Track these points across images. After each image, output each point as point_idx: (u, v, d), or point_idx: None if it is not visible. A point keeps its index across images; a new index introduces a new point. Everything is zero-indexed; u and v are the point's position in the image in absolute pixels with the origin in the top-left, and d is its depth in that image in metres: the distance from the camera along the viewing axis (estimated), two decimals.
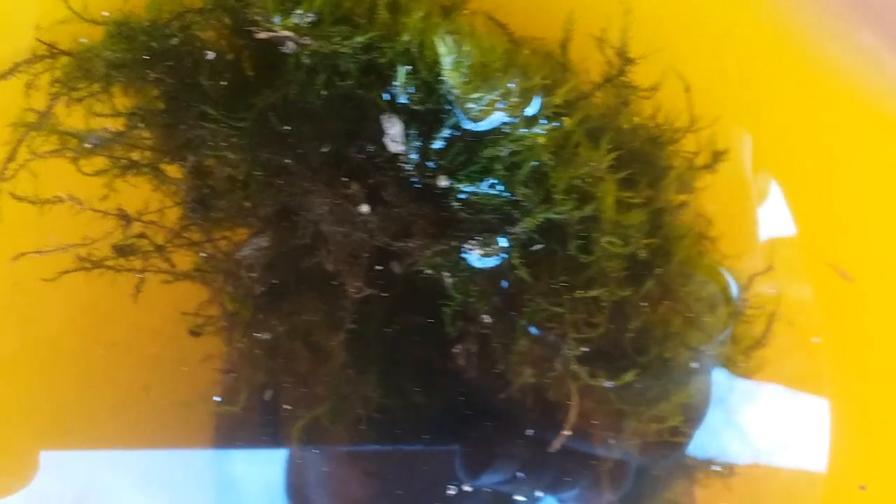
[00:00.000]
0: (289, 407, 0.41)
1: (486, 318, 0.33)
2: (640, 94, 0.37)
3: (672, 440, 0.43)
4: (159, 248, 0.38)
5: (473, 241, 0.30)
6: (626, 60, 0.35)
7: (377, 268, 0.37)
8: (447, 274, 0.32)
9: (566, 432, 0.34)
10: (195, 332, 0.43)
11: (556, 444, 0.34)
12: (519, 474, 0.45)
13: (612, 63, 0.36)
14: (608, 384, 0.33)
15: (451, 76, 0.29)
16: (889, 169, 0.42)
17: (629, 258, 0.37)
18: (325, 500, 0.49)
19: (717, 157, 0.42)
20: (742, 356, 0.48)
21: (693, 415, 0.46)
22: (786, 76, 0.44)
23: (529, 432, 0.41)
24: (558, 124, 0.32)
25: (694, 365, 0.39)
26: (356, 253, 0.36)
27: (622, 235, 0.35)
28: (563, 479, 0.47)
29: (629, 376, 0.33)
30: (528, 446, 0.44)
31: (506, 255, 0.31)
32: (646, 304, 0.37)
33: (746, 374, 0.49)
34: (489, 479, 0.44)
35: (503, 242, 0.31)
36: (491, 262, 0.31)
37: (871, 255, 0.45)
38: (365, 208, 0.35)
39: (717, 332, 0.37)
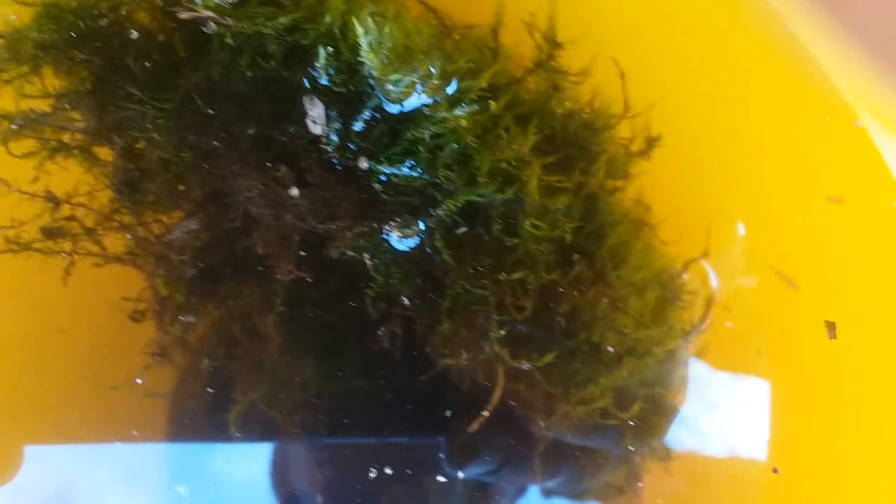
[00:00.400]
0: (212, 391, 0.41)
1: (406, 301, 0.33)
2: (571, 78, 0.38)
3: (607, 423, 0.43)
4: (89, 231, 0.37)
5: (393, 223, 0.31)
6: (553, 45, 0.35)
7: (311, 252, 0.37)
8: (368, 256, 0.32)
9: (485, 413, 0.34)
10: (135, 318, 0.43)
11: (475, 426, 0.34)
12: (504, 464, 0.46)
13: (541, 48, 0.36)
14: (526, 366, 0.33)
15: (369, 57, 0.29)
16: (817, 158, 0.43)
17: (559, 242, 0.38)
18: (310, 490, 0.49)
19: (652, 143, 0.42)
20: (681, 341, 0.48)
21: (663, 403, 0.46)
22: (721, 60, 0.44)
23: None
24: (480, 108, 0.32)
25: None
26: (287, 236, 0.36)
27: (548, 219, 0.35)
28: (546, 468, 0.47)
29: (548, 358, 0.34)
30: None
31: (425, 237, 0.31)
32: (575, 288, 0.38)
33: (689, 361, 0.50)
34: (475, 470, 0.45)
35: (425, 224, 0.31)
36: (410, 244, 0.31)
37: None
38: (295, 191, 0.35)
39: (651, 318, 0.38)
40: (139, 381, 0.39)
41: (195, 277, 0.39)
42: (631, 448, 0.48)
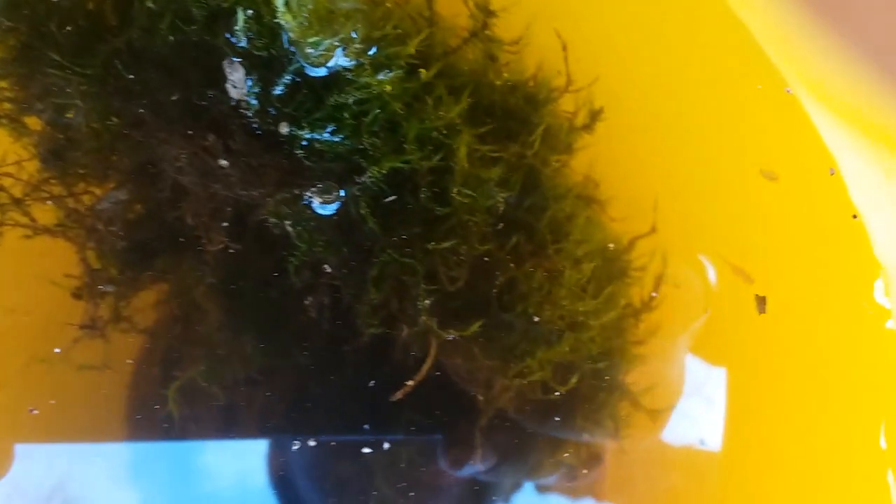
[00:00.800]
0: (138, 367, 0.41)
1: (329, 269, 0.32)
2: (507, 48, 0.37)
3: (550, 398, 0.43)
4: (17, 202, 0.37)
5: (314, 189, 0.30)
6: (487, 13, 0.35)
7: (243, 222, 0.37)
8: (290, 223, 0.31)
9: (410, 383, 0.34)
10: (77, 295, 0.42)
11: (400, 395, 0.34)
12: (500, 463, 0.45)
13: (475, 16, 0.36)
14: (452, 336, 0.33)
15: (286, 18, 0.28)
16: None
17: (497, 214, 0.37)
18: (310, 484, 0.48)
19: (595, 116, 0.42)
20: (632, 319, 0.48)
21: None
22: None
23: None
24: (409, 75, 0.32)
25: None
26: (217, 206, 0.36)
27: (481, 189, 0.34)
28: (542, 464, 0.47)
29: (475, 327, 0.33)
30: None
31: (350, 204, 0.30)
32: (513, 260, 0.38)
33: (640, 339, 0.49)
34: (472, 469, 0.45)
35: (351, 192, 0.31)
36: (331, 209, 0.30)
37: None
38: (224, 162, 0.34)
39: (588, 290, 0.37)
40: (57, 350, 0.39)
41: (127, 250, 0.38)
42: (581, 426, 0.48)
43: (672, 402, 0.51)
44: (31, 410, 0.40)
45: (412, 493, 0.45)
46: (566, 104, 0.42)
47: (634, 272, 0.45)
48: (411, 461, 0.45)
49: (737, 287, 0.40)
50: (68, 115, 0.36)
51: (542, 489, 0.52)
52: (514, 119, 0.39)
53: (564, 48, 0.40)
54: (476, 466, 0.46)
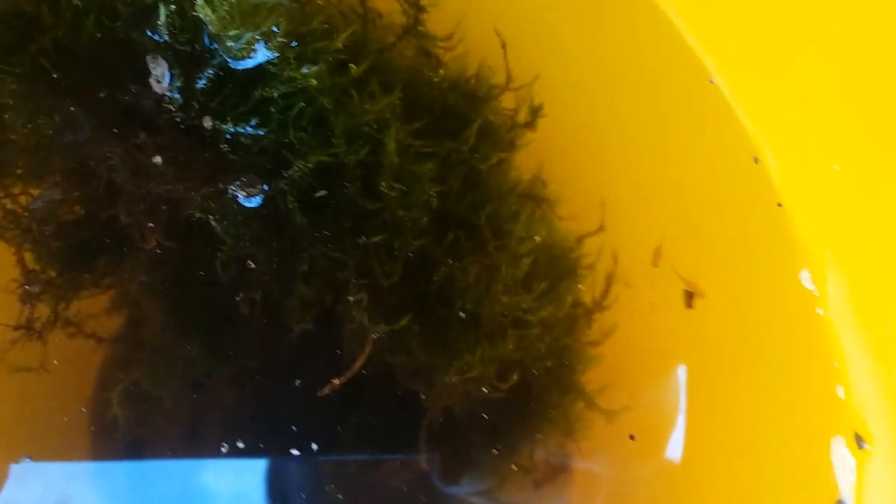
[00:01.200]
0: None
1: (252, 265, 0.32)
2: (440, 44, 0.37)
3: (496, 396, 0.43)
4: None
5: (238, 182, 0.30)
6: (418, 9, 0.35)
7: (176, 220, 0.36)
8: (216, 217, 0.31)
9: (337, 382, 0.33)
10: (25, 300, 0.42)
11: (326, 391, 0.34)
12: (493, 486, 0.45)
13: (406, 12, 0.36)
14: (377, 335, 0.32)
15: (206, 12, 0.28)
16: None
17: (435, 211, 0.37)
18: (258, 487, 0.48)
19: (536, 113, 0.42)
20: (584, 319, 0.48)
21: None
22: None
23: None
24: (339, 70, 0.32)
25: None
26: (152, 204, 0.36)
27: (414, 184, 0.34)
28: (500, 468, 0.47)
29: (405, 321, 0.33)
30: (502, 459, 0.44)
31: (278, 198, 0.30)
32: (451, 256, 0.37)
33: (595, 340, 0.49)
34: (463, 489, 0.45)
35: (279, 186, 0.31)
36: (256, 202, 0.30)
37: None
38: (158, 159, 0.34)
39: (525, 285, 0.37)
40: None
41: (65, 250, 0.38)
42: (535, 427, 0.47)
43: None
44: None
45: (359, 495, 0.45)
46: (507, 102, 0.42)
47: (583, 271, 0.45)
48: (361, 463, 0.44)
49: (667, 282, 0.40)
50: (1, 116, 0.36)
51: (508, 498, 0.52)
52: (453, 116, 0.39)
53: (504, 46, 0.41)
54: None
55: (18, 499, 0.44)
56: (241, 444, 0.39)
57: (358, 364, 0.33)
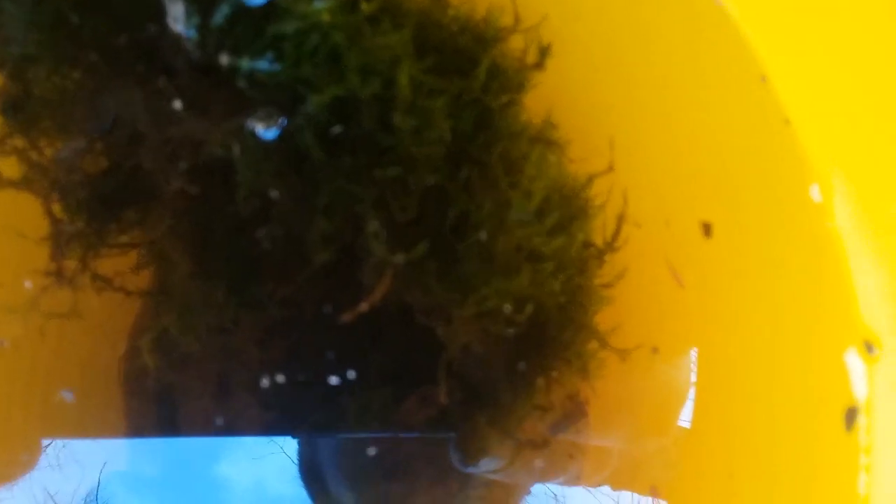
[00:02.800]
0: None
1: (276, 194, 0.33)
2: None
3: (518, 336, 0.44)
4: None
5: (257, 116, 0.31)
6: None
7: (199, 165, 0.38)
8: (236, 152, 0.32)
9: (364, 306, 0.34)
10: (55, 258, 0.43)
11: (349, 316, 0.35)
12: (513, 462, 0.47)
13: None
14: (406, 257, 0.33)
15: None
16: None
17: (448, 148, 0.38)
18: (339, 477, 0.50)
19: (545, 53, 0.42)
20: (594, 261, 0.49)
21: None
22: None
23: None
24: (351, 7, 0.33)
25: None
26: (175, 149, 0.37)
27: (426, 119, 0.35)
28: (552, 466, 0.48)
29: (421, 249, 0.34)
30: (519, 396, 0.45)
31: (289, 126, 0.31)
32: (465, 192, 0.38)
33: (608, 282, 0.50)
34: (485, 466, 0.46)
35: (297, 121, 0.32)
36: (274, 133, 0.31)
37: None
38: (178, 104, 0.35)
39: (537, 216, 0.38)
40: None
41: (91, 200, 0.39)
42: (550, 365, 0.48)
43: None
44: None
45: (383, 434, 0.46)
46: (516, 43, 0.42)
47: (593, 211, 0.46)
48: (384, 403, 0.46)
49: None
50: (27, 68, 0.38)
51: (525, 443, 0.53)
52: (464, 58, 0.40)
53: None
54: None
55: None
56: (265, 383, 0.41)
57: (379, 292, 0.34)
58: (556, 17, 0.42)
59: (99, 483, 0.52)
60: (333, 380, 0.44)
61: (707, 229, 0.39)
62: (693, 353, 0.50)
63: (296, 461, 0.52)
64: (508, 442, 0.50)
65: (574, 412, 0.57)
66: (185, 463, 0.54)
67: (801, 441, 0.38)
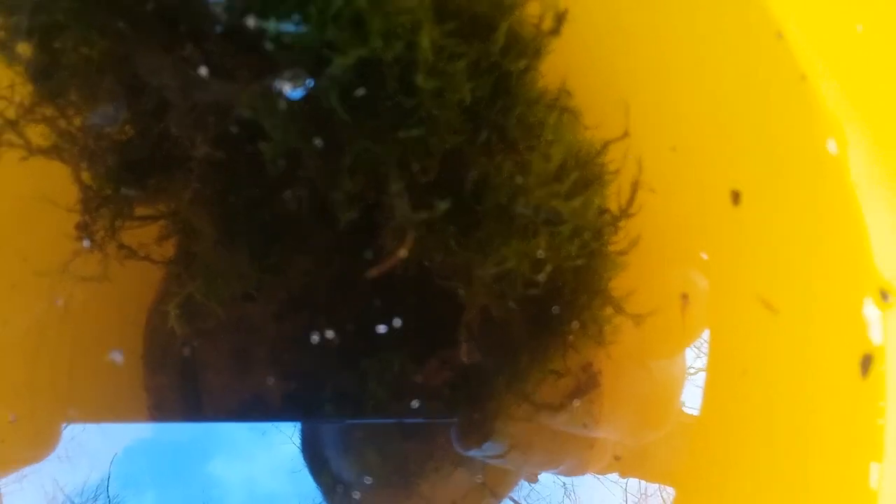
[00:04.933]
0: None
1: (317, 142, 0.34)
2: None
3: (535, 299, 0.45)
4: (12, 124, 0.39)
5: (284, 76, 0.32)
6: None
7: (225, 131, 0.38)
8: (264, 115, 0.33)
9: (395, 257, 0.35)
10: (81, 225, 0.45)
11: (374, 272, 0.36)
12: (511, 449, 0.48)
13: None
14: (423, 215, 0.34)
15: None
16: None
17: (467, 112, 0.39)
18: (344, 464, 0.51)
19: (561, 19, 0.43)
20: (609, 227, 0.50)
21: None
22: None
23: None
24: None
25: None
26: (200, 115, 0.38)
27: (447, 82, 0.36)
28: (553, 455, 0.49)
29: (444, 206, 0.35)
30: (521, 423, 0.46)
31: (314, 87, 0.32)
32: (484, 154, 0.39)
33: (622, 249, 0.51)
34: (483, 452, 0.47)
35: (322, 82, 0.33)
36: (301, 93, 0.32)
37: None
38: (204, 71, 0.36)
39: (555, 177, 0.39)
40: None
41: (119, 167, 0.40)
42: (566, 330, 0.49)
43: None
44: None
45: (406, 398, 0.47)
46: (532, 9, 0.43)
47: (609, 176, 0.47)
48: (403, 365, 0.47)
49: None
50: (55, 37, 0.38)
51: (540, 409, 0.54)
52: (481, 24, 0.41)
53: None
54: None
55: None
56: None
57: (403, 250, 0.35)
58: None
59: (109, 475, 0.53)
60: (353, 343, 0.45)
61: (735, 196, 0.40)
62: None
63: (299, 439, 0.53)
64: (524, 407, 0.51)
65: (588, 382, 0.58)
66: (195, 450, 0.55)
67: (819, 389, 0.39)
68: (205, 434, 0.55)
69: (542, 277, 0.38)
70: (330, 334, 0.45)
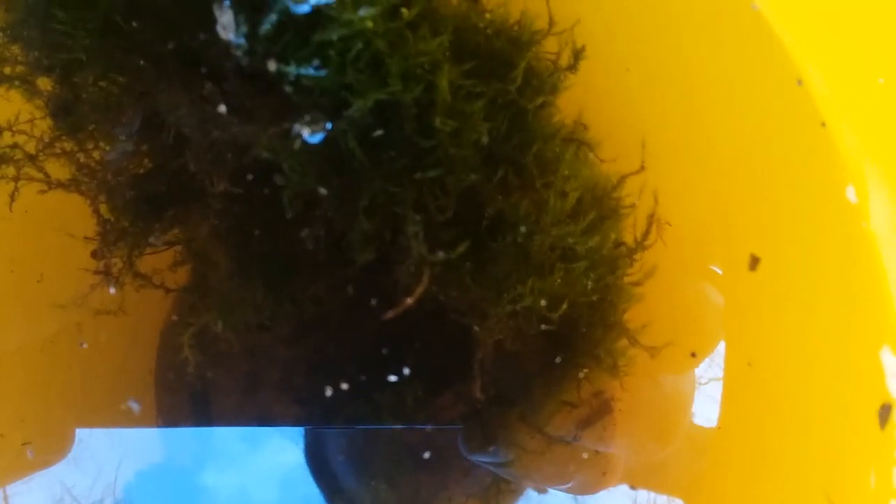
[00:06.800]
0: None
1: (324, 191, 0.34)
2: None
3: (550, 334, 0.45)
4: (31, 158, 0.39)
5: (303, 120, 0.32)
6: None
7: (243, 169, 0.39)
8: (283, 157, 0.33)
9: (410, 300, 0.35)
10: (97, 255, 0.45)
11: (391, 314, 0.36)
12: (513, 461, 0.48)
13: None
14: (446, 256, 0.34)
15: None
16: None
17: (483, 150, 0.39)
18: (347, 468, 0.51)
19: (578, 56, 0.43)
20: (625, 259, 0.50)
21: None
22: None
23: None
24: (391, 14, 0.34)
25: None
26: (219, 152, 0.38)
27: (465, 122, 0.36)
28: (561, 468, 0.49)
29: (461, 248, 0.35)
30: (549, 393, 0.46)
31: (333, 130, 0.32)
32: (500, 192, 0.39)
33: (637, 280, 0.51)
34: (486, 459, 0.47)
35: (340, 125, 0.33)
36: (319, 137, 0.32)
37: None
38: (223, 108, 0.36)
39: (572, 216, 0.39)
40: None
41: (137, 201, 0.41)
42: (580, 363, 0.49)
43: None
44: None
45: (421, 430, 0.47)
46: (550, 46, 0.43)
47: (625, 210, 0.47)
48: (417, 398, 0.47)
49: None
50: (75, 73, 0.39)
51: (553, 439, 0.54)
52: (499, 61, 0.41)
53: None
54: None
55: None
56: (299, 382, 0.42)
57: (418, 290, 0.35)
58: (590, 19, 0.43)
59: (115, 479, 0.53)
60: (365, 377, 0.45)
61: (753, 262, 0.40)
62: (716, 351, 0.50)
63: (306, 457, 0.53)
64: (538, 437, 0.51)
65: (600, 408, 0.58)
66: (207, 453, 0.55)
67: (835, 439, 0.39)
68: (210, 441, 0.55)
69: (556, 315, 0.38)
70: (339, 368, 0.45)
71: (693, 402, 0.54)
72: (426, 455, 0.51)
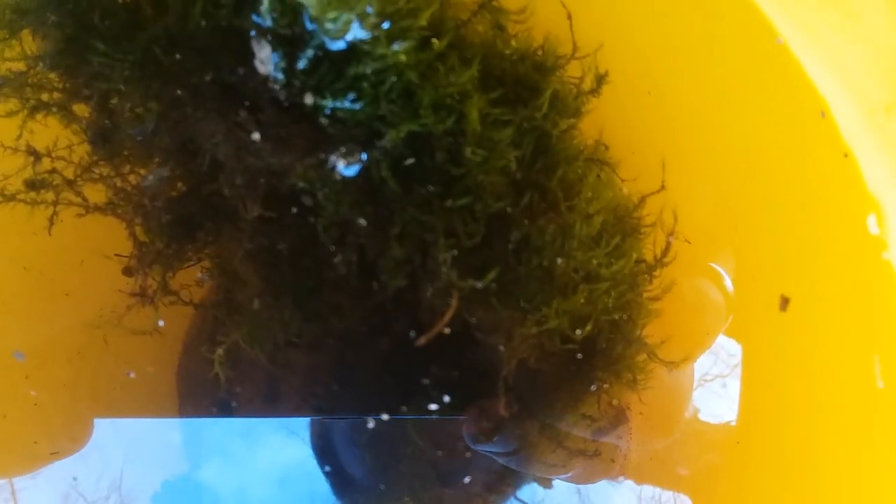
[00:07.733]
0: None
1: (362, 222, 0.35)
2: (513, 17, 0.39)
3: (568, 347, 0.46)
4: (70, 183, 0.40)
5: (338, 152, 0.33)
6: None
7: (276, 193, 0.40)
8: (318, 186, 0.34)
9: (446, 330, 0.36)
10: (129, 272, 0.46)
11: (423, 340, 0.37)
12: (517, 451, 0.48)
13: None
14: (479, 284, 0.35)
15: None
16: None
17: (510, 176, 0.40)
18: (353, 457, 0.52)
19: (601, 80, 0.44)
20: (646, 276, 0.50)
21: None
22: None
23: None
24: (422, 46, 0.35)
25: None
26: (252, 177, 0.39)
27: (493, 150, 0.37)
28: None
29: (492, 275, 0.36)
30: (570, 406, 0.47)
31: (372, 167, 0.33)
32: (526, 217, 0.40)
33: (656, 295, 0.51)
34: (489, 448, 0.48)
35: (372, 155, 0.34)
36: (355, 169, 0.33)
37: None
38: (256, 136, 0.37)
39: (598, 240, 0.40)
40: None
41: (172, 224, 0.42)
42: (600, 378, 0.50)
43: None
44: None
45: (442, 450, 0.48)
46: (573, 70, 0.44)
47: (646, 229, 0.48)
48: (441, 414, 0.48)
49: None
50: (113, 101, 0.40)
51: (569, 447, 0.55)
52: (524, 86, 0.42)
53: (569, 17, 0.43)
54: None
55: None
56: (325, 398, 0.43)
57: (448, 315, 0.36)
58: (612, 44, 0.44)
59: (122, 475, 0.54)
60: (395, 399, 0.46)
61: (784, 303, 0.41)
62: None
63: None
64: (560, 451, 0.52)
65: (616, 418, 0.59)
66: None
67: (864, 482, 0.39)
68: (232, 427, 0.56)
69: (580, 336, 0.39)
70: (364, 383, 0.46)
71: (692, 393, 0.55)
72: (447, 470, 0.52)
